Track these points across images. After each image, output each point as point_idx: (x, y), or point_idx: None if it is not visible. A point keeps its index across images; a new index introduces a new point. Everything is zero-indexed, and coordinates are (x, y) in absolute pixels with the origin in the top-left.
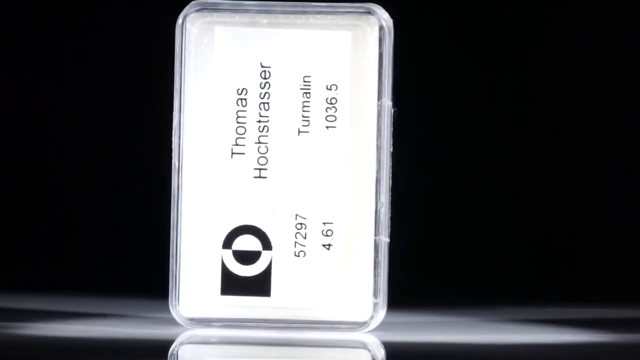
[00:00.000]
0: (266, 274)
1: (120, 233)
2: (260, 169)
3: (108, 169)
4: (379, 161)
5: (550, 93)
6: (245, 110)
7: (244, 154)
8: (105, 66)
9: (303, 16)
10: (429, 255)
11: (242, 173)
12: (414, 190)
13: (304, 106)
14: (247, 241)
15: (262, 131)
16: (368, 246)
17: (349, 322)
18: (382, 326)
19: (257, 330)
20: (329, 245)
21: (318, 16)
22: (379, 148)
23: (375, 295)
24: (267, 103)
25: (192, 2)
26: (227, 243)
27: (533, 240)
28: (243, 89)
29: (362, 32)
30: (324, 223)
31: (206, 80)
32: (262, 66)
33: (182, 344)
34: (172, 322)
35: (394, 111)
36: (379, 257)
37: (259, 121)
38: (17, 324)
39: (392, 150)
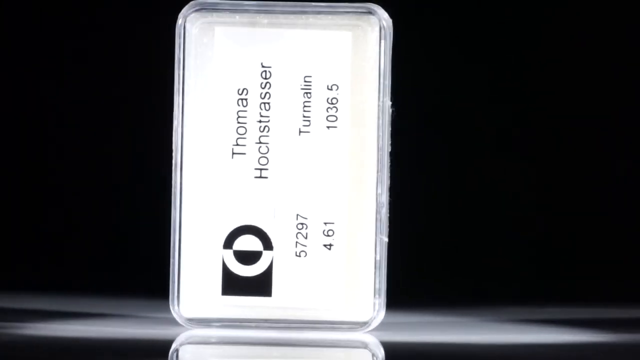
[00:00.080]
0: (267, 274)
1: (120, 233)
2: (261, 169)
3: (108, 169)
4: (379, 161)
5: (549, 93)
6: (246, 111)
7: (244, 154)
8: (105, 66)
9: (303, 16)
10: (429, 255)
11: (243, 173)
12: (414, 190)
13: (304, 106)
14: (248, 241)
15: (262, 131)
16: (369, 246)
17: (350, 322)
18: (382, 326)
19: (258, 331)
20: (330, 245)
21: (318, 16)
22: (379, 148)
23: (376, 295)
24: (268, 103)
25: (191, 3)
26: (228, 243)
27: (533, 240)
28: (244, 89)
29: (363, 32)
30: (325, 223)
31: (207, 80)
32: (263, 66)
33: (182, 344)
34: (173, 322)
35: (392, 111)
36: (380, 257)
37: (260, 121)
38: (17, 324)
39: (390, 149)
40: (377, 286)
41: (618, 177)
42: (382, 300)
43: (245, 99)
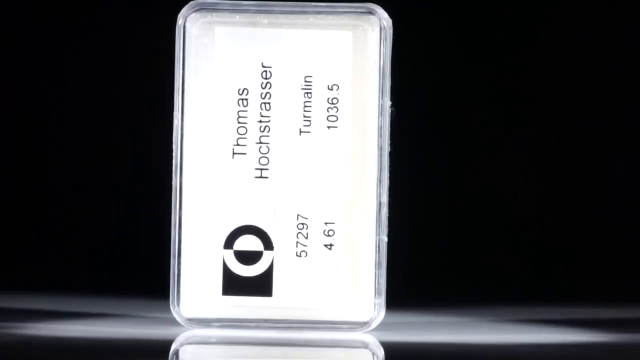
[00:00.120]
0: (268, 274)
1: (120, 233)
2: (261, 169)
3: (108, 169)
4: (380, 161)
5: (548, 93)
6: (246, 111)
7: (245, 154)
8: (105, 66)
9: (303, 16)
10: (429, 255)
11: (243, 173)
12: (414, 190)
13: (305, 106)
14: (249, 241)
15: (263, 131)
16: (369, 246)
17: (350, 322)
18: (382, 326)
19: (258, 331)
20: (331, 245)
21: (319, 16)
22: (380, 148)
23: (376, 295)
24: (269, 103)
25: (191, 3)
26: (229, 243)
27: (532, 240)
28: (244, 89)
29: (363, 32)
30: (326, 223)
31: (207, 80)
32: (263, 66)
33: (183, 344)
34: (173, 322)
35: (392, 111)
36: (380, 257)
37: (260, 121)
38: (17, 324)
39: (389, 149)
40: (377, 286)
41: (617, 177)
42: (382, 300)
43: (246, 99)
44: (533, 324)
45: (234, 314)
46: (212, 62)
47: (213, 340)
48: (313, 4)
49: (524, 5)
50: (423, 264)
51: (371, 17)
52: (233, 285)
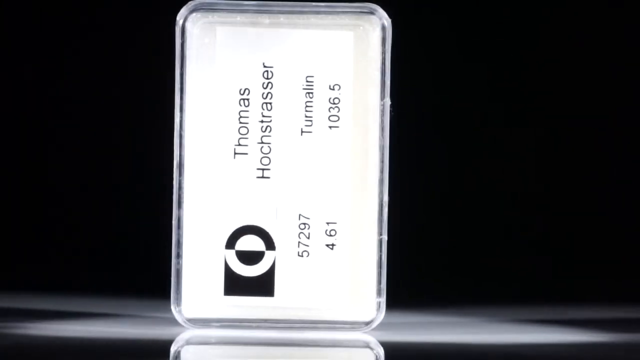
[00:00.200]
0: (269, 274)
1: (120, 233)
2: (263, 169)
3: (108, 169)
4: (382, 161)
5: (548, 93)
6: (247, 111)
7: (246, 154)
8: (105, 66)
9: (304, 16)
10: (429, 255)
11: (244, 173)
12: (414, 189)
13: (306, 106)
14: (250, 241)
15: (264, 131)
16: (371, 246)
17: (352, 322)
18: (382, 326)
19: (260, 331)
20: (333, 245)
21: (319, 16)
22: (382, 148)
23: (379, 294)
24: (270, 103)
25: (190, 3)
26: (230, 243)
27: (532, 240)
28: (245, 89)
29: (364, 32)
30: (328, 223)
31: (208, 80)
32: (265, 66)
33: (185, 344)
34: (175, 322)
35: (390, 111)
36: (382, 256)
37: (262, 121)
38: (17, 324)
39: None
40: (379, 286)
41: (617, 177)
42: (384, 299)
43: (247, 99)
44: (533, 324)
45: (235, 314)
46: (213, 62)
47: (215, 340)
48: (313, 4)
49: (524, 5)
50: (423, 264)
51: (372, 17)
52: (235, 285)
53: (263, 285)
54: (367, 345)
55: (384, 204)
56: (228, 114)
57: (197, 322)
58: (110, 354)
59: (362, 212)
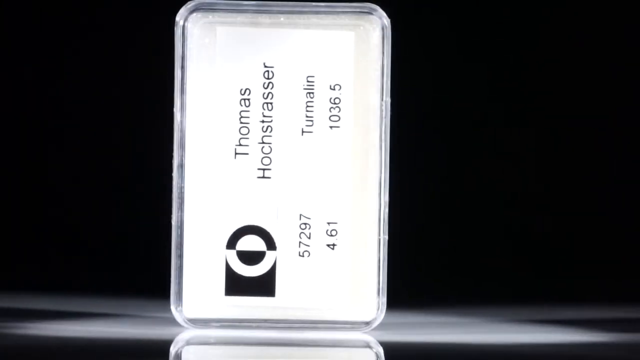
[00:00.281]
0: (270, 274)
1: (120, 233)
2: (264, 169)
3: (108, 169)
4: (382, 161)
5: (547, 93)
6: (248, 111)
7: (247, 154)
8: (105, 66)
9: (304, 16)
10: (429, 255)
11: (245, 173)
12: (413, 189)
13: (307, 106)
14: (251, 241)
15: (265, 131)
16: (372, 246)
17: (353, 322)
18: (382, 326)
19: (261, 331)
20: (333, 245)
21: (320, 16)
22: (382, 148)
23: (379, 294)
24: (271, 103)
25: (189, 3)
26: (231, 243)
27: (532, 240)
28: (246, 89)
29: (365, 32)
30: (328, 223)
31: (209, 80)
32: (265, 66)
33: (185, 344)
34: (175, 322)
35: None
36: (382, 256)
37: (263, 121)
38: (17, 324)
39: (390, 149)
40: (380, 286)
41: (617, 177)
42: (385, 299)
43: (248, 99)
44: (533, 324)
45: (236, 314)
46: (213, 62)
47: (216, 340)
48: (313, 3)
49: (524, 5)
50: (423, 264)
51: (372, 17)
52: (236, 285)
53: (264, 285)
54: (367, 345)
55: (384, 204)
56: (229, 114)
57: (198, 322)
58: (110, 354)
59: (363, 212)
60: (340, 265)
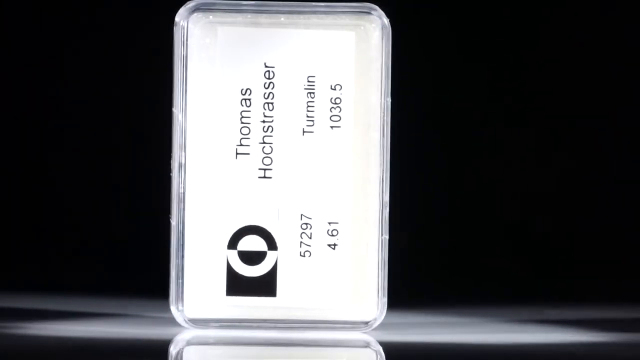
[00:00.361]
0: (272, 274)
1: (120, 233)
2: (265, 169)
3: (108, 169)
4: (383, 161)
5: (548, 93)
6: (249, 111)
7: (248, 154)
8: (105, 66)
9: (305, 16)
10: (429, 255)
11: (246, 173)
12: (414, 189)
13: (308, 106)
14: (253, 241)
15: (266, 131)
16: (373, 246)
17: (355, 322)
18: (382, 326)
19: (262, 331)
20: (335, 245)
21: (320, 16)
22: (383, 147)
23: (380, 294)
24: (272, 103)
25: (188, 3)
26: (232, 243)
27: (532, 240)
28: (247, 89)
29: (365, 32)
30: (329, 223)
31: (210, 80)
32: (266, 66)
33: (187, 344)
34: (175, 322)
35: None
36: (383, 256)
37: (264, 121)
38: (17, 324)
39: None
40: (381, 285)
41: (617, 177)
42: (386, 299)
43: (249, 99)
44: (533, 324)
45: (237, 314)
46: (214, 63)
47: (217, 340)
48: (313, 3)
49: (524, 5)
50: (423, 264)
51: (372, 16)
52: (237, 285)
53: (265, 286)
54: (367, 345)
55: (385, 204)
56: (230, 114)
57: (199, 323)
58: (110, 354)
59: (364, 212)
60: (342, 265)
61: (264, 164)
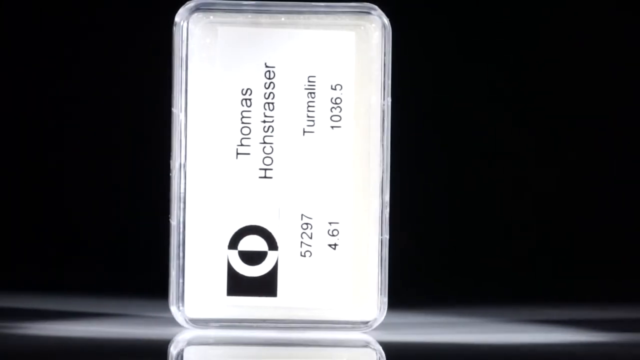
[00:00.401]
0: (272, 274)
1: (120, 233)
2: (265, 169)
3: (108, 169)
4: (383, 161)
5: (547, 93)
6: (250, 111)
7: (249, 154)
8: (105, 66)
9: (305, 16)
10: (429, 255)
11: (247, 173)
12: (414, 190)
13: (308, 106)
14: (253, 241)
15: (267, 131)
16: (374, 246)
17: (355, 322)
18: (382, 326)
19: (263, 331)
20: (335, 245)
21: (320, 16)
22: (383, 147)
23: (381, 294)
24: (272, 103)
25: (188, 3)
26: (233, 243)
27: (532, 240)
28: (247, 89)
29: (366, 32)
30: (330, 223)
31: (210, 80)
32: (267, 66)
33: (187, 344)
34: (176, 322)
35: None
36: (384, 256)
37: (264, 121)
38: (17, 324)
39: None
40: (381, 285)
41: (617, 177)
42: (386, 299)
43: (249, 99)
44: (533, 324)
45: (238, 314)
46: (215, 63)
47: (218, 340)
48: (313, 3)
49: (524, 5)
50: (423, 264)
51: (373, 16)
52: (237, 285)
53: (266, 286)
54: (367, 345)
55: (385, 204)
56: (230, 114)
57: (199, 323)
58: (110, 354)
59: (365, 212)
60: (342, 265)
61: (265, 164)
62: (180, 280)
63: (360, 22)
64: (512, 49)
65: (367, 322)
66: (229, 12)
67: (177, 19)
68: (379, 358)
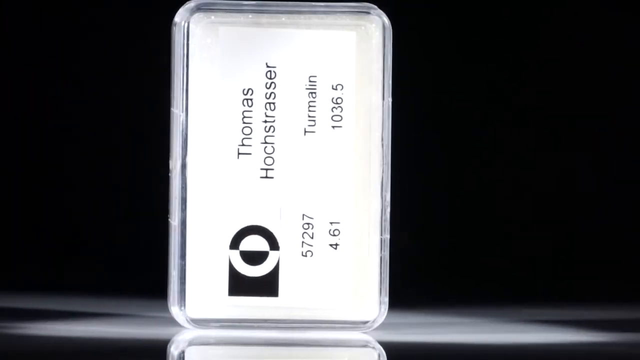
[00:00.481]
0: (274, 274)
1: (120, 233)
2: (266, 169)
3: (108, 169)
4: (384, 160)
5: (547, 93)
6: (251, 111)
7: (250, 154)
8: (105, 66)
9: (306, 16)
10: (429, 255)
11: (248, 173)
12: (414, 190)
13: (309, 106)
14: (254, 241)
15: (268, 131)
16: (375, 245)
17: (356, 322)
18: (382, 326)
19: (264, 331)
20: (336, 244)
21: (321, 16)
22: (384, 147)
23: (381, 294)
24: (273, 103)
25: (188, 3)
26: (234, 244)
27: (532, 240)
28: (249, 89)
29: (366, 32)
30: (331, 223)
31: (211, 80)
32: (268, 66)
33: (189, 345)
34: (176, 322)
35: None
36: (384, 256)
37: (265, 121)
38: (17, 324)
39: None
40: (382, 285)
41: (617, 177)
42: (387, 299)
43: (251, 99)
44: (533, 324)
45: (239, 314)
46: (216, 63)
47: (219, 340)
48: (313, 3)
49: (524, 5)
50: (423, 264)
51: (373, 16)
52: (239, 285)
53: (267, 286)
54: (368, 345)
55: (386, 204)
56: (231, 114)
57: (201, 323)
58: (110, 354)
59: (366, 211)
60: (343, 265)
61: (266, 164)
62: (182, 281)
63: (361, 22)
64: (512, 49)
65: (367, 322)
66: (230, 12)
67: (176, 19)
68: (379, 358)
